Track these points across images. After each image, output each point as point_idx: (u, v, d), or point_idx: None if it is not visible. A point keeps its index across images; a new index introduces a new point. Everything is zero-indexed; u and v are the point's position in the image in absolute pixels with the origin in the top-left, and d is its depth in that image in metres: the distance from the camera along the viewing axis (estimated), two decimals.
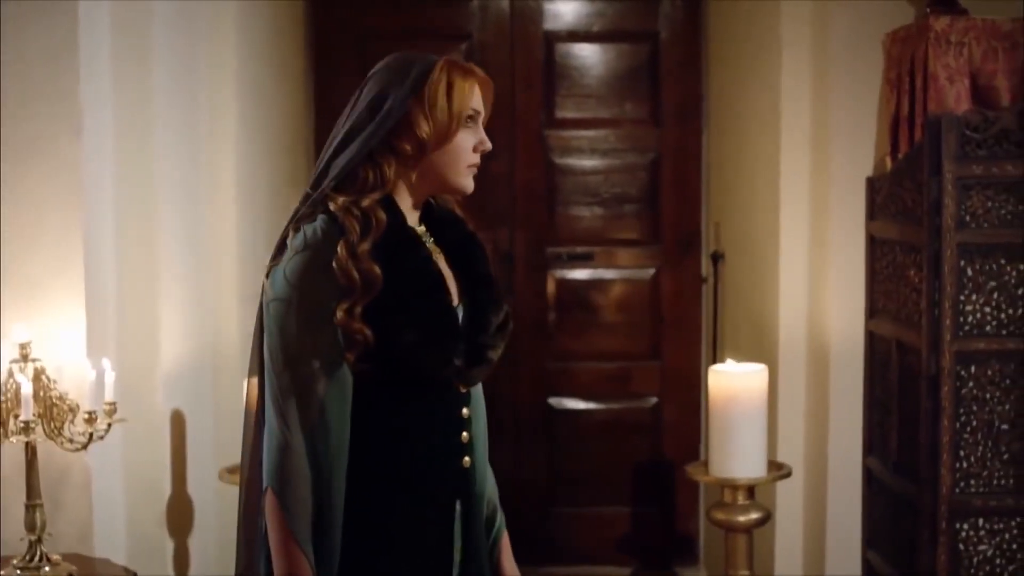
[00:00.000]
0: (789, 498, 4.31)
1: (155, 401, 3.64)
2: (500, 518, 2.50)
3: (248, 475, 2.34)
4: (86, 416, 3.11)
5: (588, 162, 5.34)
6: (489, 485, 2.45)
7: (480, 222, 5.51)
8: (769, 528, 4.10)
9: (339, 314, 2.16)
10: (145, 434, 3.59)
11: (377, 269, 2.18)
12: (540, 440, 5.36)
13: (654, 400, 5.36)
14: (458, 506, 2.32)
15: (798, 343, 4.32)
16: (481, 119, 2.34)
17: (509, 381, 5.23)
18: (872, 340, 4.04)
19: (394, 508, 2.26)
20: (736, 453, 3.74)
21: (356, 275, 2.16)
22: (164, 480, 3.74)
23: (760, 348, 4.44)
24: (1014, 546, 3.62)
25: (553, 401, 5.35)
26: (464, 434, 2.33)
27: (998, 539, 3.61)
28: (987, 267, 3.56)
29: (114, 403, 3.17)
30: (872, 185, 4.04)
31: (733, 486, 3.77)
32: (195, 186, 3.98)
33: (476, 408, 2.38)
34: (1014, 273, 3.57)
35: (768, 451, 3.92)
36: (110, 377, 3.18)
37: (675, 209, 5.31)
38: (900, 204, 3.77)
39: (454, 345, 2.26)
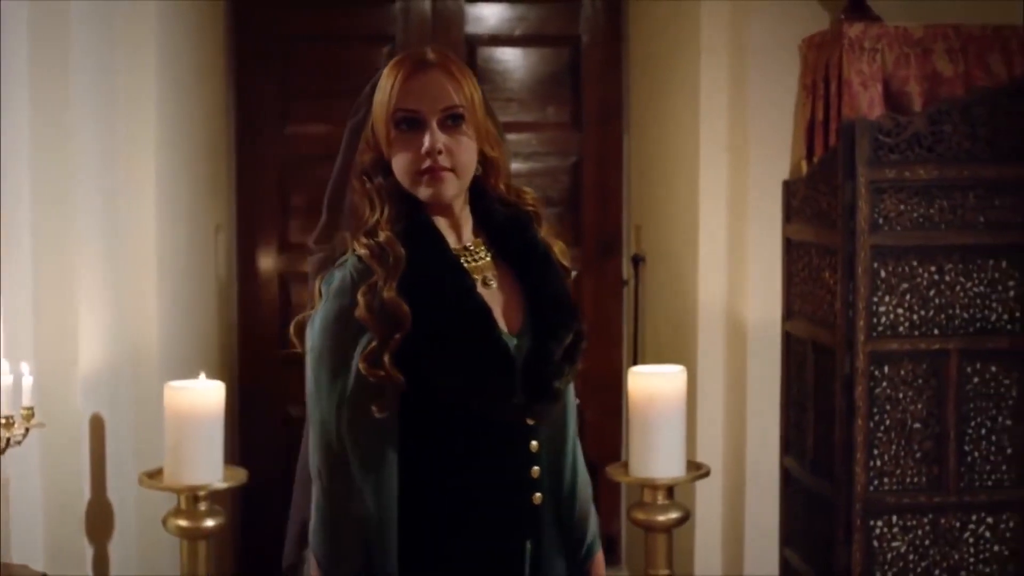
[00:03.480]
0: (708, 497, 4.36)
1: (74, 405, 3.61)
2: (592, 532, 2.34)
3: (299, 475, 2.27)
4: (3, 421, 3.08)
5: (512, 165, 5.31)
6: (580, 497, 2.30)
7: None
8: (689, 527, 4.15)
9: (361, 364, 2.03)
10: (64, 439, 3.55)
11: (405, 308, 2.03)
12: None
13: (576, 402, 5.38)
14: (528, 545, 2.16)
15: (717, 344, 4.38)
16: (431, 116, 2.09)
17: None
18: (789, 341, 4.10)
19: (454, 549, 2.11)
20: (655, 454, 3.77)
21: (377, 321, 2.02)
22: (83, 485, 3.70)
23: (679, 349, 4.49)
24: (927, 542, 3.69)
25: None
26: (535, 469, 2.15)
27: (911, 536, 3.69)
28: (900, 269, 3.63)
29: (32, 408, 3.14)
30: (788, 188, 4.10)
31: (653, 486, 3.80)
32: (114, 188, 3.95)
33: (560, 425, 2.23)
34: (926, 275, 3.65)
35: (687, 451, 3.96)
36: (27, 381, 3.15)
37: (596, 212, 5.36)
38: (815, 207, 3.83)
39: (506, 382, 2.08)
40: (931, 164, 3.61)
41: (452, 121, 2.10)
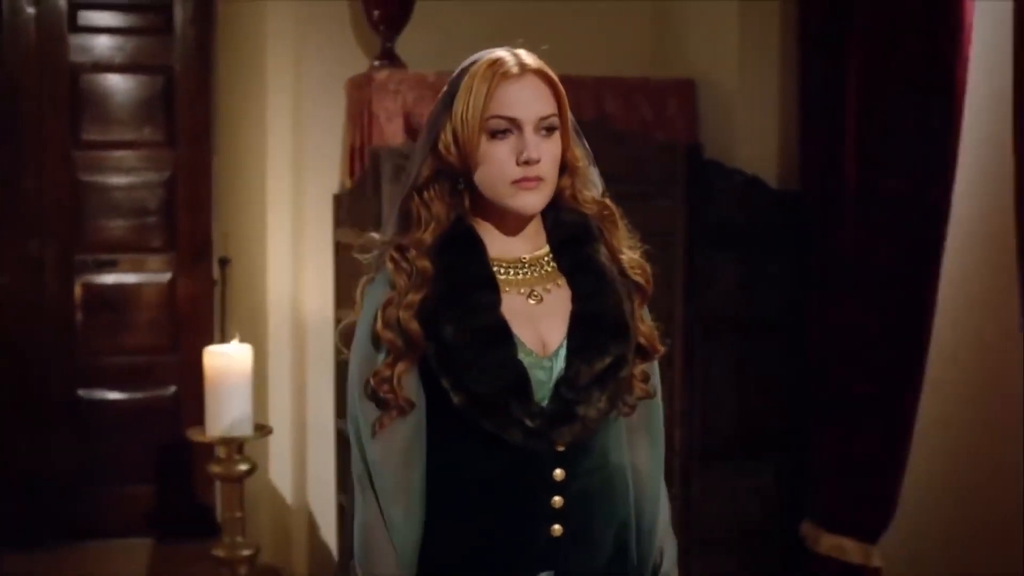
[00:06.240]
0: (278, 452, 5.04)
1: None
2: (669, 562, 2.16)
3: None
4: None
5: (112, 179, 5.77)
6: (659, 533, 2.15)
7: (10, 233, 5.91)
8: (260, 476, 4.80)
9: (372, 378, 1.97)
10: None
11: (416, 329, 1.94)
12: (70, 428, 5.73)
13: (174, 388, 5.83)
14: None
15: (283, 328, 5.05)
16: (528, 124, 1.93)
17: (38, 376, 5.69)
18: (339, 324, 4.81)
19: (463, 569, 2.03)
20: (228, 416, 4.28)
21: (392, 337, 1.95)
22: None
23: (256, 334, 5.11)
24: None
25: (83, 392, 5.74)
26: (556, 499, 1.99)
27: None
28: None
29: None
30: (338, 201, 4.80)
31: (225, 443, 4.33)
32: None
33: (602, 459, 2.03)
34: None
35: (260, 415, 4.55)
36: None
37: (189, 221, 5.81)
38: (357, 216, 4.55)
39: (519, 403, 1.94)
40: None
41: (546, 131, 1.98)
